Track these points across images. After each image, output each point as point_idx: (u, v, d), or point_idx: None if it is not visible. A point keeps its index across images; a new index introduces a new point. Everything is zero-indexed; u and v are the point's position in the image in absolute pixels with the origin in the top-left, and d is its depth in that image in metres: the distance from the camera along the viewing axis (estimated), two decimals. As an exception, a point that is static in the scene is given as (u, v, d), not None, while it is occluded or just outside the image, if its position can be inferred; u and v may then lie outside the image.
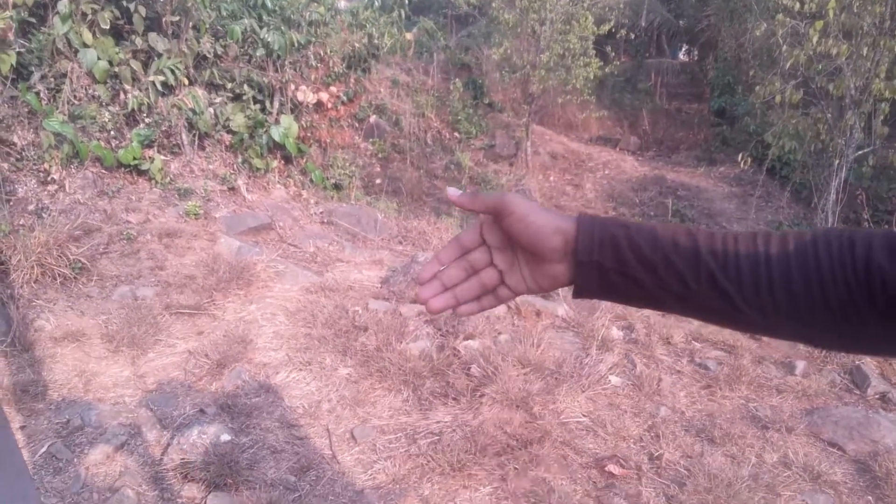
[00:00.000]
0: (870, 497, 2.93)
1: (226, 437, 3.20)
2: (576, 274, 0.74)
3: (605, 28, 11.51)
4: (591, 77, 11.42)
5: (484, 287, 0.80)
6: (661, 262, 0.70)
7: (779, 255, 0.67)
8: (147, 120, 6.48)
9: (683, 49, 19.91)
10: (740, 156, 8.78)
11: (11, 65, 5.60)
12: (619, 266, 0.71)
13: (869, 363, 4.03)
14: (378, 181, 9.59)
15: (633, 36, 14.55)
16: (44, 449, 3.06)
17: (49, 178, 5.58)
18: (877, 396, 3.75)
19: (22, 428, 3.21)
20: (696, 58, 18.74)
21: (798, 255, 0.66)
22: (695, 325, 4.59)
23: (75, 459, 3.01)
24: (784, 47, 7.75)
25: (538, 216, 0.73)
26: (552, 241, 0.73)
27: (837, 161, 7.77)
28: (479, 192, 0.78)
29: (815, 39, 7.09)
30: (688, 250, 0.70)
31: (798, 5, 7.42)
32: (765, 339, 4.36)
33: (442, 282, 0.80)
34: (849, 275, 0.63)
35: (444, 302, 0.79)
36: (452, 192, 0.78)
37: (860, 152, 8.01)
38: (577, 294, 0.76)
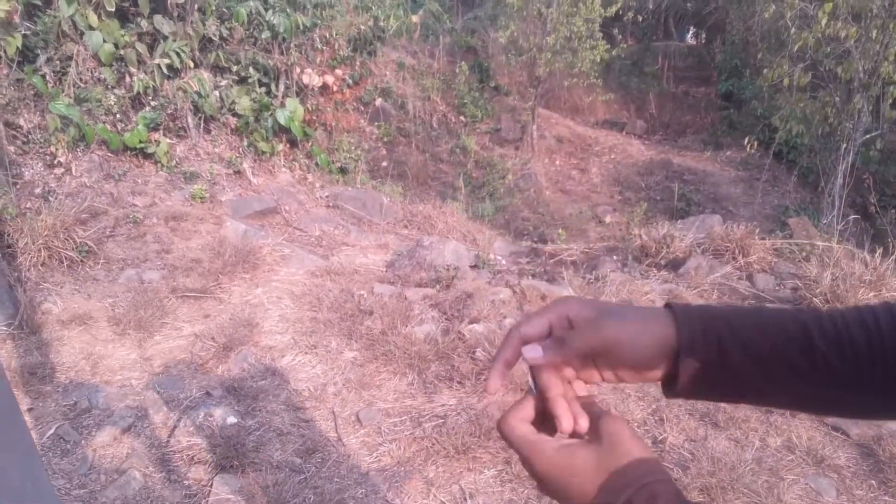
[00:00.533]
0: (873, 481, 2.94)
1: (232, 419, 3.22)
2: (681, 375, 0.66)
3: (612, 10, 11.42)
4: (598, 60, 11.35)
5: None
6: (769, 353, 0.65)
7: (889, 327, 0.63)
8: (153, 103, 6.48)
9: (691, 32, 19.75)
10: (747, 140, 8.74)
11: (17, 47, 5.60)
12: (721, 362, 0.65)
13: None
14: (384, 165, 9.58)
15: (640, 18, 14.38)
16: (51, 431, 3.09)
17: (55, 162, 5.59)
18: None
19: (30, 410, 3.23)
20: (703, 41, 18.59)
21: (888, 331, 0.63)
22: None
23: (83, 441, 3.04)
24: (793, 30, 7.70)
25: (638, 337, 0.66)
26: (655, 361, 0.67)
27: (845, 145, 7.74)
28: (565, 340, 0.67)
29: (823, 22, 7.04)
30: (798, 336, 0.65)
31: (807, -13, 7.36)
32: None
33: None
34: None
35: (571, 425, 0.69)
36: (532, 352, 0.67)
37: (868, 136, 7.97)
38: (674, 395, 0.70)
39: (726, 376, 0.66)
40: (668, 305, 0.69)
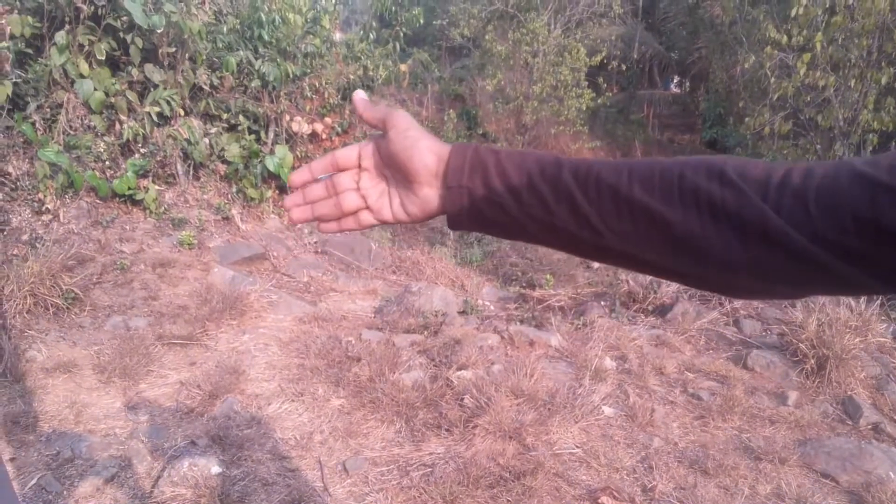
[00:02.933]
0: (863, 529, 2.92)
1: (217, 469, 3.17)
2: (445, 199, 0.73)
3: (597, 60, 11.65)
4: (584, 108, 11.54)
5: (341, 210, 0.80)
6: (525, 186, 0.69)
7: (642, 178, 0.64)
8: (142, 150, 6.52)
9: (675, 81, 20.14)
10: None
11: (7, 95, 5.64)
12: (487, 192, 0.70)
13: (861, 394, 4.04)
14: (372, 211, 9.60)
15: (624, 68, 14.69)
16: (34, 481, 3.03)
17: (43, 208, 5.59)
18: (869, 427, 3.75)
19: (12, 460, 3.18)
20: (687, 89, 18.95)
21: (662, 175, 0.64)
22: (687, 355, 4.60)
23: (65, 492, 2.98)
24: (773, 79, 7.86)
25: (418, 133, 0.74)
26: (426, 157, 0.73)
27: (828, 192, 7.83)
28: (379, 104, 0.80)
29: (802, 71, 7.20)
30: (551, 173, 0.68)
31: (786, 38, 7.54)
32: (756, 368, 4.37)
33: (304, 193, 0.82)
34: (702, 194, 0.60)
35: (303, 214, 0.82)
36: (359, 93, 0.80)
37: (850, 183, 8.07)
38: (451, 224, 0.75)
39: (491, 208, 0.71)
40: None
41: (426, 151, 0.73)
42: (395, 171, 0.77)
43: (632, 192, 0.64)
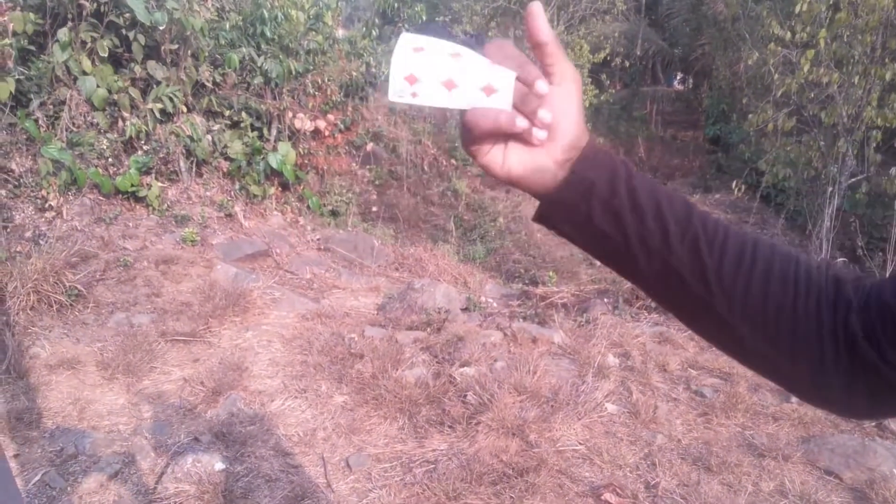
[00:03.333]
0: (867, 526, 2.92)
1: (220, 465, 3.18)
2: (560, 183, 0.65)
3: (601, 56, 11.64)
4: (587, 105, 11.51)
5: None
6: (651, 210, 0.63)
7: (765, 248, 0.64)
8: (145, 147, 6.52)
9: (678, 77, 20.10)
10: (734, 183, 8.83)
11: (10, 92, 5.64)
12: (609, 196, 0.64)
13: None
14: (375, 208, 9.62)
15: (628, 64, 14.65)
16: (37, 477, 3.04)
17: (46, 205, 5.59)
18: (873, 424, 3.74)
19: (16, 456, 3.19)
20: (690, 86, 18.91)
21: (783, 259, 0.64)
22: (691, 352, 4.59)
23: (69, 488, 2.99)
24: (776, 76, 7.84)
25: (578, 99, 0.64)
26: (572, 131, 0.64)
27: (831, 188, 7.83)
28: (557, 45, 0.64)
29: (806, 68, 7.17)
30: (681, 210, 0.65)
31: (789, 35, 7.52)
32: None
33: None
34: (822, 301, 0.62)
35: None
36: (537, 6, 0.62)
37: (853, 179, 8.06)
38: (545, 211, 0.68)
39: (606, 216, 0.64)
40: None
41: (575, 125, 0.64)
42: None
43: (755, 263, 0.63)
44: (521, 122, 0.61)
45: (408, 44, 0.61)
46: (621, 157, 0.67)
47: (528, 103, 0.61)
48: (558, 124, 0.63)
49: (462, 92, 0.61)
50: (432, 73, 0.61)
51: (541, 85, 0.60)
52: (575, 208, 0.65)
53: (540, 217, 0.69)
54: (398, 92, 0.62)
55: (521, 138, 0.64)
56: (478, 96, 0.61)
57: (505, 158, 0.65)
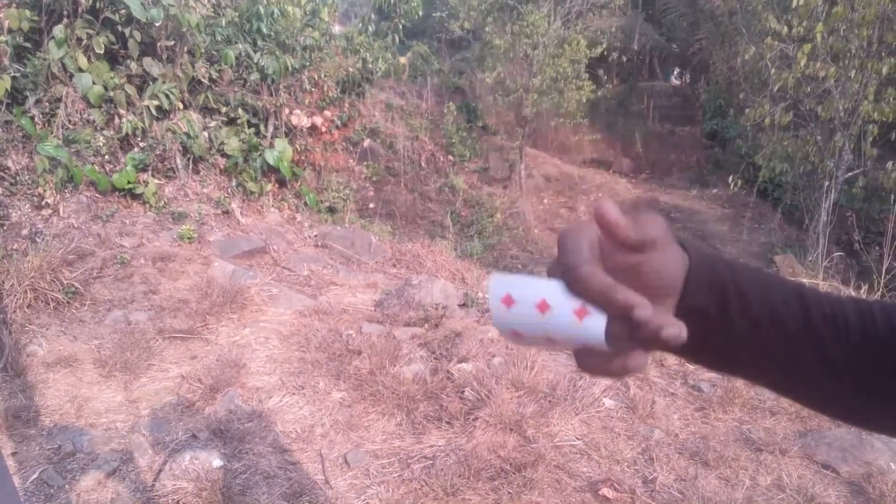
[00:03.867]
0: (864, 519, 2.93)
1: (218, 462, 3.18)
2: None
3: (598, 51, 11.62)
4: (584, 100, 11.52)
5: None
6: (766, 318, 0.61)
7: (888, 331, 0.61)
8: (141, 144, 6.50)
9: (675, 72, 20.10)
10: (731, 178, 8.84)
11: (6, 89, 5.62)
12: (720, 315, 0.60)
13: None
14: (372, 204, 9.62)
15: (625, 59, 14.67)
16: (35, 475, 3.04)
17: (43, 203, 5.58)
18: (870, 418, 3.75)
19: (13, 454, 3.19)
20: (688, 81, 18.91)
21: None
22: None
23: (67, 486, 2.99)
24: (773, 70, 7.84)
25: (673, 248, 0.59)
26: (674, 279, 0.59)
27: (828, 182, 7.84)
28: (639, 216, 0.58)
29: (803, 62, 7.18)
30: (797, 308, 0.62)
31: (786, 29, 7.52)
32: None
33: None
34: None
35: None
36: (609, 207, 0.55)
37: (850, 174, 8.07)
38: (683, 354, 0.64)
39: (721, 330, 0.61)
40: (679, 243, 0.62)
41: (674, 274, 0.59)
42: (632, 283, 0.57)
43: (879, 348, 0.61)
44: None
45: (497, 297, 0.58)
46: (722, 256, 0.63)
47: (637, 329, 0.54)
48: (660, 278, 0.58)
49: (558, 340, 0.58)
50: (529, 330, 0.58)
51: (639, 313, 0.53)
52: (699, 340, 0.60)
53: (680, 355, 0.65)
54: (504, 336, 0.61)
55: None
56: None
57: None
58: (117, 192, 6.20)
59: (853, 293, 4.76)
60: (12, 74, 5.79)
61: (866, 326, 0.61)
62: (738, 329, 0.60)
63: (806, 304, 0.61)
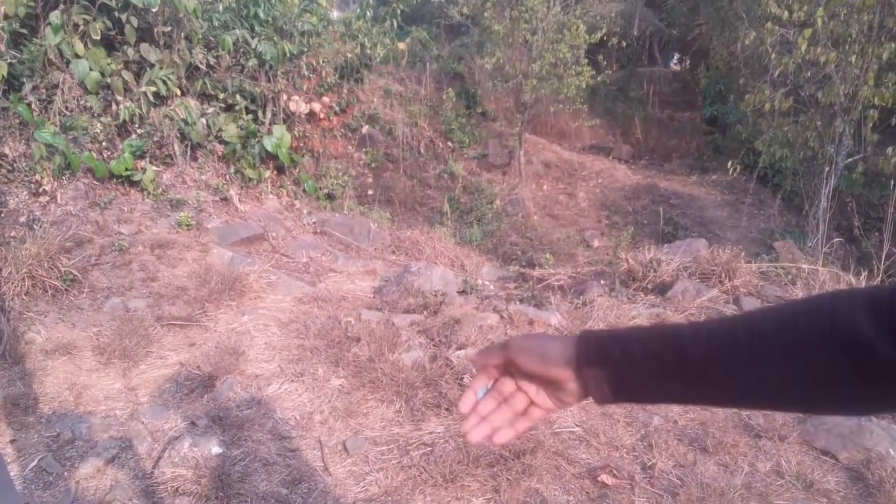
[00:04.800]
0: (862, 505, 2.93)
1: (217, 449, 3.18)
2: (588, 391, 0.80)
3: (597, 37, 11.55)
4: (584, 86, 11.45)
5: (515, 412, 0.86)
6: (655, 375, 0.75)
7: (764, 355, 0.69)
8: (139, 131, 6.48)
9: (675, 58, 20.01)
10: (730, 163, 8.81)
11: (3, 76, 5.60)
12: (622, 382, 0.78)
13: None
14: (371, 191, 9.60)
15: (624, 45, 14.56)
16: (34, 463, 3.04)
17: (40, 190, 5.57)
18: (869, 404, 3.75)
19: (12, 442, 3.19)
20: (687, 66, 18.82)
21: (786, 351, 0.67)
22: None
23: (66, 473, 2.99)
24: (773, 55, 7.80)
25: (542, 349, 0.82)
26: (561, 372, 0.80)
27: (828, 168, 7.82)
28: (488, 350, 0.87)
29: (803, 47, 7.14)
30: (676, 350, 0.74)
31: (787, 14, 7.47)
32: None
33: (478, 411, 0.87)
34: (827, 344, 0.64)
35: (483, 431, 0.86)
36: (470, 356, 0.89)
37: (850, 159, 8.06)
38: (602, 403, 0.81)
39: (626, 379, 0.77)
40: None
41: (559, 365, 0.80)
42: (537, 382, 0.84)
43: (764, 372, 0.69)
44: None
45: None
46: (606, 334, 0.81)
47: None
48: (548, 374, 0.81)
49: None
50: None
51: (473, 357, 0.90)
52: (612, 396, 0.80)
53: (601, 404, 0.84)
54: None
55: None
56: None
57: (550, 399, 0.85)
58: (115, 179, 6.18)
59: (853, 279, 4.76)
60: (9, 61, 5.76)
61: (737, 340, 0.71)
62: (635, 374, 0.77)
63: (680, 337, 0.74)
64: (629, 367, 0.76)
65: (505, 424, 0.87)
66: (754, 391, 0.70)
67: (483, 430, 0.86)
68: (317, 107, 8.50)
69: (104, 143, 6.23)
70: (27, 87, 5.95)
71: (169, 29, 6.64)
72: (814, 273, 4.95)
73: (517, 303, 5.04)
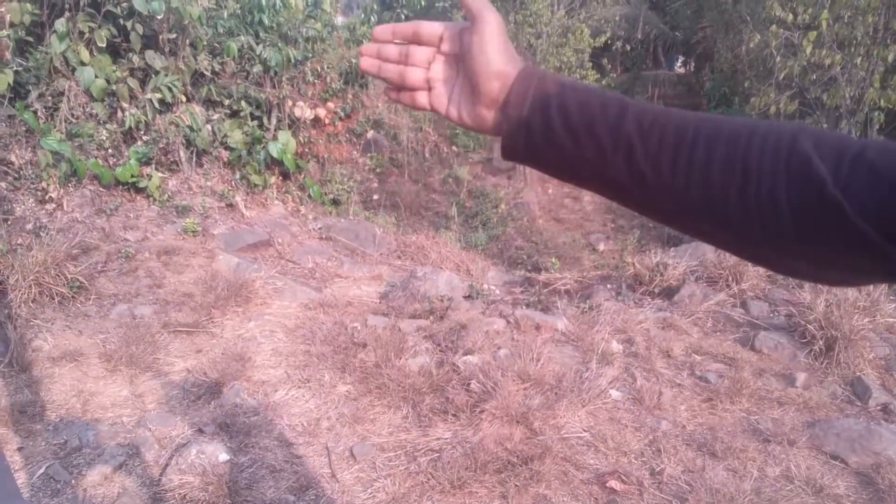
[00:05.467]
0: (873, 510, 2.91)
1: (224, 456, 3.18)
2: (502, 128, 0.71)
3: (601, 40, 11.56)
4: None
5: (402, 78, 0.78)
6: (584, 129, 0.66)
7: (708, 137, 0.61)
8: (145, 137, 6.49)
9: (680, 61, 19.99)
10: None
11: (9, 83, 5.61)
12: (545, 129, 0.67)
13: (870, 375, 4.01)
14: (376, 196, 9.60)
15: (629, 48, 14.58)
16: (41, 470, 3.04)
17: (47, 197, 5.58)
18: (878, 408, 3.73)
19: (20, 449, 3.19)
20: (692, 69, 18.81)
21: (728, 143, 0.60)
22: (695, 337, 4.57)
23: (73, 481, 2.99)
24: (778, 58, 7.78)
25: (496, 49, 0.70)
26: (491, 83, 0.70)
27: (834, 171, 7.79)
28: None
29: (808, 50, 7.13)
30: (614, 118, 0.65)
31: (791, 17, 7.46)
32: (764, 350, 4.35)
33: (379, 49, 0.79)
34: (780, 170, 0.57)
35: (370, 66, 0.80)
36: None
37: (857, 162, 8.02)
38: (504, 155, 0.73)
39: (547, 145, 0.68)
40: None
41: (493, 77, 0.70)
42: (465, 74, 0.74)
43: (693, 154, 0.61)
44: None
45: None
46: (556, 76, 0.70)
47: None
48: (477, 77, 0.71)
49: None
50: None
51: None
52: (522, 146, 0.70)
53: (503, 157, 0.74)
54: None
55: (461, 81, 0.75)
56: None
57: (448, 102, 0.77)
58: (121, 186, 6.19)
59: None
60: (15, 69, 5.78)
61: (686, 133, 0.62)
62: (559, 140, 0.67)
63: (622, 114, 0.64)
64: (560, 123, 0.67)
65: (393, 83, 0.80)
66: (680, 192, 0.61)
67: (373, 66, 0.80)
68: (322, 112, 8.50)
69: (110, 150, 6.24)
70: (33, 94, 5.97)
71: (174, 36, 6.66)
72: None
73: (523, 307, 5.03)
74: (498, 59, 0.70)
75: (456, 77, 0.76)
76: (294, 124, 8.06)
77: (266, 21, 7.59)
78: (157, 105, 6.48)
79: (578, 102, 0.67)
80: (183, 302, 4.88)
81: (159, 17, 6.36)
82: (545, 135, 0.68)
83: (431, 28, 0.76)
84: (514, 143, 0.70)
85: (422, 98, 0.78)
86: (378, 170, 10.21)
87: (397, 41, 0.79)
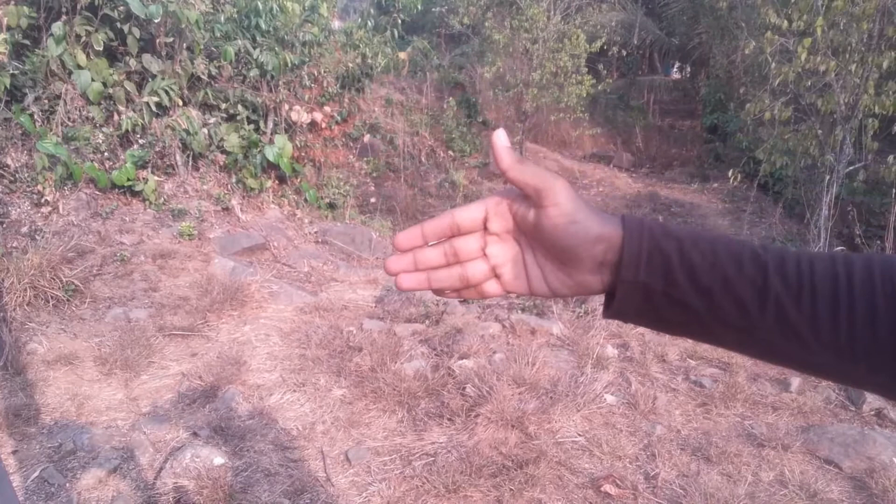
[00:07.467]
0: (866, 515, 2.92)
1: (219, 460, 3.17)
2: (617, 295, 0.61)
3: (597, 46, 11.59)
4: (584, 95, 11.49)
5: (465, 282, 0.66)
6: (719, 288, 0.58)
7: (863, 284, 0.55)
8: (141, 141, 6.49)
9: (675, 66, 20.05)
10: (731, 172, 8.80)
11: (5, 86, 5.61)
12: (667, 288, 0.59)
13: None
14: (372, 200, 9.60)
15: (625, 54, 14.63)
16: (36, 474, 3.04)
17: (42, 200, 5.57)
18: (872, 413, 3.75)
19: (14, 452, 3.18)
20: (688, 75, 18.87)
21: (887, 285, 0.54)
22: (689, 342, 4.58)
23: (67, 484, 2.98)
24: (773, 64, 7.81)
25: (585, 216, 0.60)
26: (594, 249, 0.60)
27: (828, 176, 7.82)
28: (527, 161, 0.63)
29: (803, 56, 7.15)
30: (753, 270, 0.58)
31: (786, 23, 7.49)
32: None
33: (415, 259, 0.66)
34: None
35: (416, 283, 0.66)
36: (500, 137, 0.64)
37: (851, 167, 8.05)
38: (612, 315, 0.64)
39: (671, 305, 0.60)
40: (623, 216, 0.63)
41: (594, 242, 0.60)
42: (546, 248, 0.63)
43: (853, 304, 0.55)
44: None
45: None
46: (664, 226, 0.62)
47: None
48: (574, 249, 0.61)
49: None
50: None
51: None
52: (637, 308, 0.61)
53: (610, 317, 0.65)
54: None
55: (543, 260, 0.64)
56: None
57: (529, 280, 0.65)
58: (117, 190, 6.19)
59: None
60: (11, 72, 5.77)
61: (839, 290, 0.56)
62: (688, 299, 0.59)
63: (765, 268, 0.58)
64: (687, 283, 0.58)
65: (448, 288, 0.66)
66: (844, 350, 0.55)
67: (418, 281, 0.66)
68: (318, 116, 8.51)
69: (106, 154, 6.24)
70: (29, 97, 5.96)
71: (171, 40, 6.66)
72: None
73: (519, 312, 5.04)
74: (593, 224, 0.60)
75: (522, 252, 0.66)
76: (290, 128, 8.06)
77: (263, 25, 7.59)
78: (153, 108, 6.48)
79: (702, 255, 0.59)
80: (178, 305, 4.87)
81: (156, 21, 6.36)
82: (668, 296, 0.59)
83: (470, 213, 0.66)
84: (626, 306, 0.61)
85: (492, 288, 0.67)
86: (374, 174, 10.21)
87: (431, 242, 0.67)
